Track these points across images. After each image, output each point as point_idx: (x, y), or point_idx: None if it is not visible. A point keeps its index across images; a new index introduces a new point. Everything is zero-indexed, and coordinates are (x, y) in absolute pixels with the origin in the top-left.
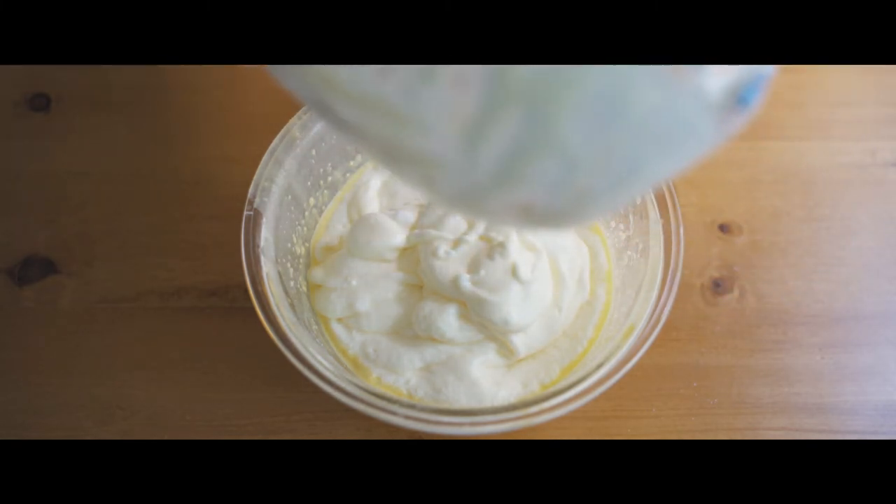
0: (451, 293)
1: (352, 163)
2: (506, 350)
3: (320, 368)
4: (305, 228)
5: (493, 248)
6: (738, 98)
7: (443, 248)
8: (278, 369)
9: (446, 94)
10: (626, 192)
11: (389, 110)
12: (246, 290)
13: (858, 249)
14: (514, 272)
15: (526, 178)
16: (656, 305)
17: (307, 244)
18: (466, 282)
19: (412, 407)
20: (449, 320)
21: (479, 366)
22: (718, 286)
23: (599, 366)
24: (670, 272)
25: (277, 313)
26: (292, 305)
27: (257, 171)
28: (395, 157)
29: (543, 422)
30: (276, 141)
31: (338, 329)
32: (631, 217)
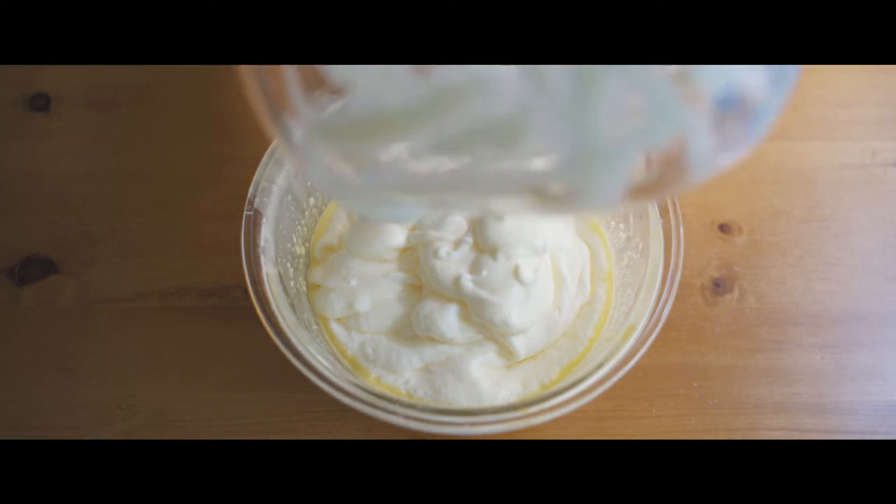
0: (452, 294)
1: None
2: (506, 351)
3: (320, 368)
4: (305, 228)
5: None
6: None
7: (444, 249)
8: (278, 369)
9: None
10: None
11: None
12: (246, 290)
13: (858, 249)
14: (515, 273)
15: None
16: (656, 305)
17: (307, 244)
18: (468, 282)
19: (412, 407)
20: (449, 320)
21: (478, 366)
22: (718, 286)
23: (599, 366)
24: (670, 272)
25: (277, 313)
26: (292, 305)
27: (257, 171)
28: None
29: (543, 422)
30: (276, 141)
31: (337, 329)
32: (631, 217)
